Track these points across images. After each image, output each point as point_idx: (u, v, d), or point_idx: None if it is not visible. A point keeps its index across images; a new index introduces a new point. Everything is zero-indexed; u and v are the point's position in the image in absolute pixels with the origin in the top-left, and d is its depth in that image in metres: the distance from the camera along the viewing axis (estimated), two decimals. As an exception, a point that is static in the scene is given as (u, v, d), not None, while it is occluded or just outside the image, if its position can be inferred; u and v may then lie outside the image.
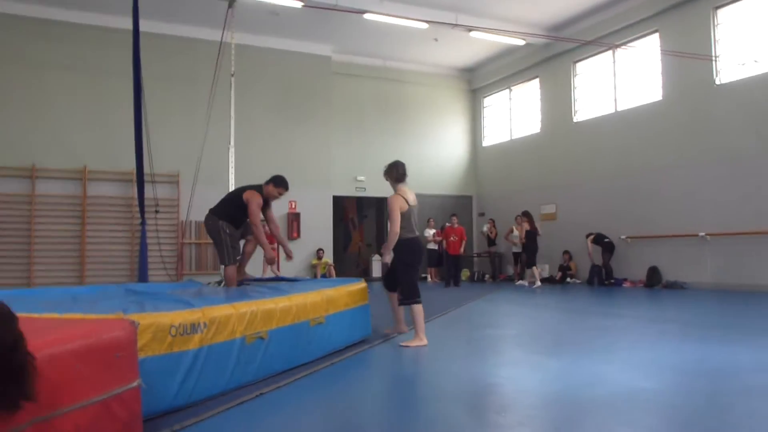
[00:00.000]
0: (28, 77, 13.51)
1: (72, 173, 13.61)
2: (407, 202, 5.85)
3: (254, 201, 6.19)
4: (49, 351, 2.31)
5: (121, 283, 12.42)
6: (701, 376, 4.25)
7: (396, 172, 6.02)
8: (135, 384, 2.66)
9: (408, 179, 6.09)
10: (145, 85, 9.60)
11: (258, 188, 6.40)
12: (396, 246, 5.85)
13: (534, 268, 14.36)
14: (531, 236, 14.44)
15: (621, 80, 14.58)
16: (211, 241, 6.64)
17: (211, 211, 6.53)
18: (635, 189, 13.76)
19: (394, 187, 6.03)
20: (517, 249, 15.75)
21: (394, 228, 5.78)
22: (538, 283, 14.15)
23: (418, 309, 5.71)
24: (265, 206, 6.50)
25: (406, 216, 5.82)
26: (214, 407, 3.42)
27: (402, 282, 5.90)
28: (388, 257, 5.88)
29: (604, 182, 14.63)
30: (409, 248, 5.86)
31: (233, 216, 6.38)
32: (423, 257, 5.99)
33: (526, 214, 14.78)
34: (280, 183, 6.51)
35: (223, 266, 6.50)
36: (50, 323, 2.79)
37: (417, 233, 5.95)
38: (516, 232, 15.57)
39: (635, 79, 14.19)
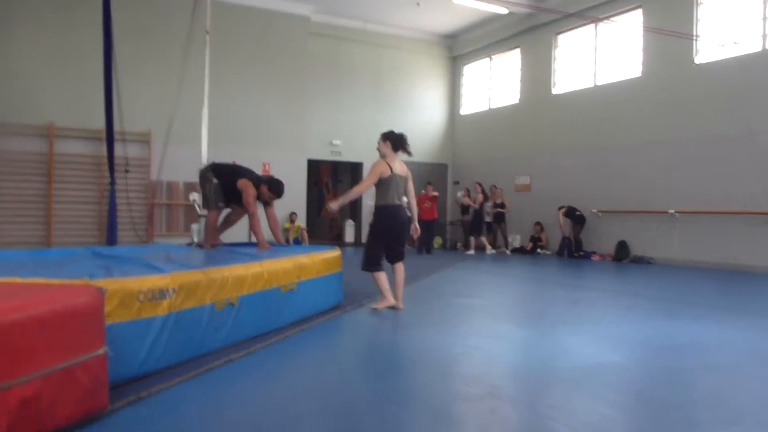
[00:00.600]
0: (-7, 28, 13.05)
1: (38, 129, 13.23)
2: (391, 168, 5.75)
3: (249, 193, 6.22)
4: (11, 317, 2.26)
5: (89, 244, 12.25)
6: (666, 351, 4.34)
7: (394, 140, 5.83)
8: (101, 351, 2.62)
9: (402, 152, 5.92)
10: (115, 40, 9.33)
11: (256, 180, 6.38)
12: (374, 212, 5.85)
13: (481, 237, 15.37)
14: (481, 206, 15.43)
15: (602, 55, 14.56)
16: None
17: (211, 167, 6.62)
18: (609, 164, 13.87)
19: (384, 154, 5.85)
20: (490, 218, 15.90)
21: (361, 185, 5.81)
22: (491, 250, 15.22)
23: (378, 275, 5.77)
24: (267, 204, 6.58)
25: (386, 182, 5.71)
26: (183, 373, 3.39)
27: (366, 249, 5.89)
28: (335, 206, 5.76)
29: (579, 156, 14.71)
30: (383, 216, 5.79)
31: (221, 179, 6.45)
32: (402, 230, 5.88)
33: (479, 184, 15.74)
34: (273, 188, 6.45)
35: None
36: (13, 288, 2.72)
37: (398, 203, 5.83)
38: (490, 201, 15.70)
39: (616, 55, 14.18)
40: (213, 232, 6.60)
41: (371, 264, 5.80)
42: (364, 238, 17.60)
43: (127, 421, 2.69)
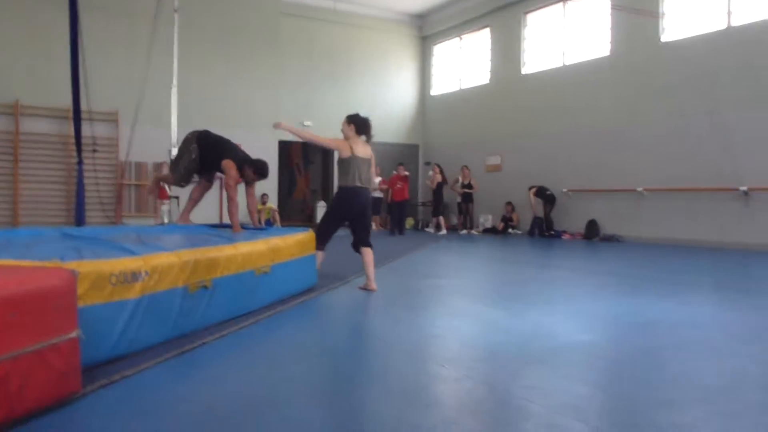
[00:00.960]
0: (-48, 2, 12.63)
1: (3, 107, 12.90)
2: (352, 150, 5.79)
3: (231, 175, 6.09)
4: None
5: (56, 224, 12.02)
6: (637, 329, 4.41)
7: (358, 123, 5.91)
8: (73, 334, 2.58)
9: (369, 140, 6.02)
10: (82, 17, 9.09)
11: (240, 161, 6.23)
12: (335, 193, 6.04)
13: (440, 218, 15.69)
14: (439, 187, 15.54)
15: (570, 34, 14.63)
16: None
17: (197, 135, 6.41)
18: (578, 143, 14.01)
19: (346, 137, 5.92)
20: (459, 199, 15.99)
21: (314, 136, 6.20)
22: (443, 231, 15.43)
23: (319, 254, 6.00)
24: (248, 184, 6.48)
25: (346, 163, 5.79)
26: (156, 356, 3.35)
27: (319, 225, 6.15)
28: (284, 126, 6.04)
29: (549, 135, 14.82)
30: (341, 196, 5.92)
31: (206, 153, 6.31)
32: (364, 212, 5.94)
33: (438, 165, 16.07)
34: (258, 169, 6.32)
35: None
36: (-19, 270, 2.66)
37: (359, 185, 5.84)
38: (461, 182, 15.78)
39: (584, 34, 14.26)
40: (157, 185, 6.91)
41: (320, 241, 6.01)
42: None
43: (99, 405, 2.66)
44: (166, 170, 7.16)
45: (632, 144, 12.81)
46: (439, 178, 15.59)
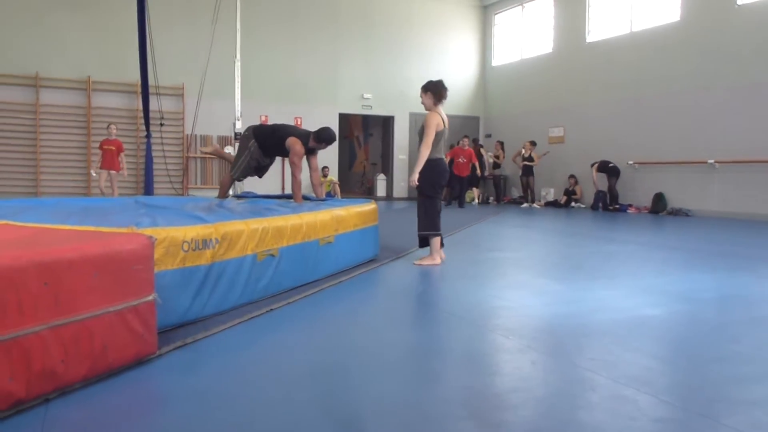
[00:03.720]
0: (28, -19, 13.10)
1: (76, 83, 13.40)
2: (443, 121, 5.68)
3: (296, 152, 6.13)
4: (68, 257, 2.33)
5: (127, 195, 12.47)
6: (707, 304, 4.29)
7: (438, 91, 5.69)
8: (151, 297, 2.69)
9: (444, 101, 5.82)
10: (148, -7, 9.32)
11: (305, 136, 6.28)
12: (427, 166, 5.63)
13: (475, 188, 16.31)
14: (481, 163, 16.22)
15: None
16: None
17: (253, 129, 6.56)
18: (645, 113, 13.56)
19: (430, 106, 5.73)
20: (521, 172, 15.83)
21: (427, 142, 5.56)
22: (526, 205, 15.66)
23: (436, 239, 5.71)
24: (310, 153, 6.47)
25: (438, 136, 5.63)
26: (225, 322, 3.46)
27: (423, 209, 5.70)
28: (416, 176, 5.60)
29: (614, 106, 14.40)
30: (435, 168, 5.66)
31: (267, 145, 6.44)
32: (446, 182, 5.89)
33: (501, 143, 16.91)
34: (321, 138, 6.30)
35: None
36: (67, 234, 2.80)
37: (443, 156, 5.81)
38: (522, 154, 15.58)
39: (653, -1, 13.71)
40: (224, 192, 6.92)
41: (435, 225, 5.68)
42: (396, 193, 17.73)
43: (173, 366, 2.77)
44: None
45: (703, 114, 12.32)
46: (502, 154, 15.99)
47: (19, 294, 2.13)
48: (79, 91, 13.44)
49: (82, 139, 13.48)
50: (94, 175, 11.45)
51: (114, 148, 11.26)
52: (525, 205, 15.55)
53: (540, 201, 15.93)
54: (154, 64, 9.91)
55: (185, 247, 3.27)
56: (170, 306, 3.11)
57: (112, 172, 11.24)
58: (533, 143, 15.51)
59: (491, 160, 16.89)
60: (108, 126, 11.45)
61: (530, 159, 15.43)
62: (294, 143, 6.14)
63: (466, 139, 15.17)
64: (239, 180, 7.05)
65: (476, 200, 16.39)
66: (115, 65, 13.48)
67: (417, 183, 5.62)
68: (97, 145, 11.67)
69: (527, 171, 15.52)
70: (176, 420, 2.23)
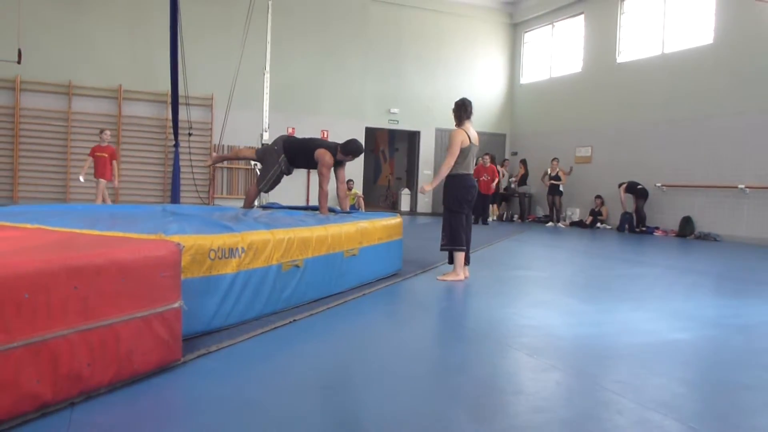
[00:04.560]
0: (65, -9, 13.40)
1: (108, 92, 13.64)
2: (469, 138, 5.73)
3: (325, 163, 6.15)
4: (97, 261, 2.36)
5: (154, 203, 12.62)
6: (737, 331, 4.21)
7: (464, 110, 5.81)
8: (177, 305, 2.70)
9: (472, 118, 5.91)
10: (180, 5, 9.47)
11: (333, 148, 6.30)
12: (449, 181, 5.76)
13: (494, 205, 16.48)
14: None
15: (670, 20, 13.97)
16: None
17: (283, 142, 6.56)
18: (675, 136, 13.40)
19: (458, 123, 5.84)
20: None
21: (449, 160, 5.67)
22: (552, 223, 15.60)
23: (459, 254, 5.72)
24: (338, 165, 6.47)
25: (464, 152, 5.69)
26: (249, 331, 3.47)
27: (448, 223, 5.73)
28: (430, 188, 5.79)
29: (643, 127, 14.26)
30: (461, 183, 5.74)
31: (295, 157, 6.47)
32: (474, 198, 5.89)
33: (523, 161, 17.21)
34: (348, 149, 6.29)
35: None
36: (96, 239, 2.83)
37: (471, 172, 5.85)
38: (549, 173, 15.49)
39: (686, 21, 13.58)
40: (250, 203, 6.90)
41: (458, 240, 5.69)
42: (420, 208, 17.72)
43: (197, 373, 2.78)
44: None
45: (734, 138, 12.14)
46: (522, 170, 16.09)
47: (49, 297, 2.15)
48: (111, 100, 13.68)
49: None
50: (82, 180, 10.42)
51: (107, 155, 10.26)
52: (550, 224, 15.44)
53: (565, 221, 15.79)
54: (185, 75, 10.05)
55: (212, 255, 3.29)
56: (195, 313, 3.12)
57: (102, 181, 10.22)
58: (557, 160, 15.46)
59: (504, 177, 16.89)
60: (101, 131, 10.50)
61: (557, 178, 15.33)
62: (323, 154, 6.16)
63: (487, 156, 15.12)
64: (267, 191, 7.11)
65: (493, 217, 16.34)
66: (146, 75, 13.71)
67: (425, 191, 5.87)
68: (124, 153, 11.65)
69: (554, 190, 15.41)
70: (199, 427, 2.24)
